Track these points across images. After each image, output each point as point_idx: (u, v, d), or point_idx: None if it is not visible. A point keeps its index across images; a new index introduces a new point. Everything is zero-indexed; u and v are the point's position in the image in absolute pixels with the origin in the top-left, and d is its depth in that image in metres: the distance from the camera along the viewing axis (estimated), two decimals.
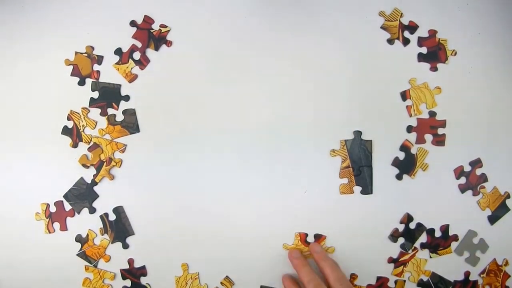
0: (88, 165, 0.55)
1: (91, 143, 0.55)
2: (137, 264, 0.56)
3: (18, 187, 0.57)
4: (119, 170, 0.55)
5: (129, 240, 0.55)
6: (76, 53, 0.56)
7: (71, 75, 0.56)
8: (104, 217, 0.55)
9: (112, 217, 0.55)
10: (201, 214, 0.55)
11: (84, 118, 0.56)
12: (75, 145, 0.56)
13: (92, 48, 0.56)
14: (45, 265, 0.57)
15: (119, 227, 0.55)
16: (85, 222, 0.56)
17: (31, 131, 0.56)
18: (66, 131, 0.56)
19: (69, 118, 0.56)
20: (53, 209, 0.56)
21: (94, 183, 0.55)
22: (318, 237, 0.54)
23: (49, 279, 0.57)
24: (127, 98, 0.55)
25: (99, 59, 0.56)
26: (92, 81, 0.56)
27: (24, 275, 0.57)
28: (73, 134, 0.56)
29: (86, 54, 0.56)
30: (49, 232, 0.56)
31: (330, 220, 0.54)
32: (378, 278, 0.55)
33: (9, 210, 0.57)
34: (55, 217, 0.56)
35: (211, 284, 0.55)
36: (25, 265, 0.57)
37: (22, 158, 0.56)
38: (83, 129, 0.56)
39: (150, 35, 0.56)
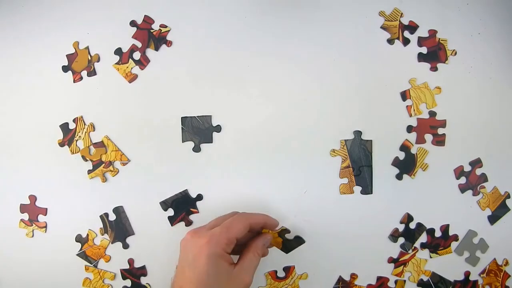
0: (87, 159, 0.55)
1: (98, 141, 0.55)
2: (137, 264, 0.56)
3: (17, 184, 0.57)
4: (122, 168, 0.55)
5: (129, 240, 0.55)
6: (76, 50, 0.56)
7: (63, 71, 0.56)
8: (104, 217, 0.55)
9: (112, 217, 0.55)
10: (201, 215, 0.55)
11: (85, 133, 0.55)
12: (61, 145, 0.56)
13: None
14: (45, 265, 0.57)
15: (119, 227, 0.55)
16: (85, 222, 0.56)
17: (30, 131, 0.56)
18: (64, 127, 0.56)
19: (75, 121, 0.56)
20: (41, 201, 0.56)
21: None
22: (287, 270, 0.55)
23: (49, 279, 0.57)
24: None
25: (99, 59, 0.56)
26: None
27: (24, 275, 0.57)
28: (67, 136, 0.56)
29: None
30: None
31: (330, 220, 0.54)
32: (378, 278, 0.55)
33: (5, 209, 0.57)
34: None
35: None
36: (25, 265, 0.57)
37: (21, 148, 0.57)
38: (77, 140, 0.56)
39: (150, 35, 0.56)
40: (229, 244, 0.43)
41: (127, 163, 0.54)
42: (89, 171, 0.55)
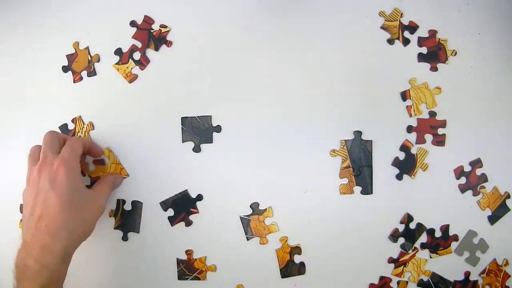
0: (86, 174, 0.55)
1: (98, 140, 0.55)
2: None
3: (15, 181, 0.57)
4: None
5: (130, 235, 0.55)
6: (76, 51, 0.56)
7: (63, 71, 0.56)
8: (120, 202, 0.55)
9: (128, 207, 0.55)
10: (201, 215, 0.55)
11: (85, 132, 0.55)
12: None
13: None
14: None
15: (129, 219, 0.55)
16: None
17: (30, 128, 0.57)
18: (63, 129, 0.56)
19: (73, 122, 0.56)
20: None
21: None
22: None
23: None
24: None
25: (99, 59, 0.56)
26: None
27: None
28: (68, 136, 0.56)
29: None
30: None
31: (330, 220, 0.54)
32: (381, 278, 0.55)
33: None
34: None
35: None
36: None
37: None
38: None
39: (150, 35, 0.56)
40: (79, 161, 0.47)
41: (126, 177, 0.54)
42: (88, 187, 0.54)
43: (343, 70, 0.55)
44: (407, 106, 0.55)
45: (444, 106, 0.55)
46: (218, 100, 0.55)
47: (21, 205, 0.57)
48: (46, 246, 0.43)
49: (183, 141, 0.55)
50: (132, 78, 0.56)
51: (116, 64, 0.56)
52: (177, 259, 0.55)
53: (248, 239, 0.55)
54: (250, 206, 0.54)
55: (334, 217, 0.54)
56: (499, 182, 0.55)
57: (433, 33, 0.55)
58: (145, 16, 0.56)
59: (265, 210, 0.54)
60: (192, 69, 0.55)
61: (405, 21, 0.55)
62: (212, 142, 0.55)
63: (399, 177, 0.54)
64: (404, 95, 0.55)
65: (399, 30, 0.55)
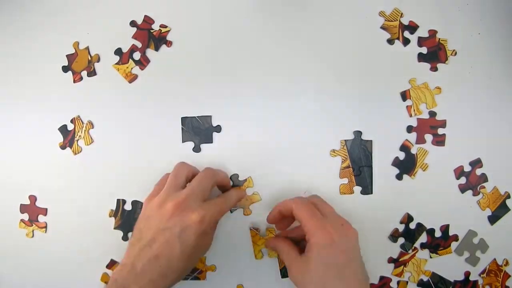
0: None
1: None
2: None
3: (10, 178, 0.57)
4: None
5: (130, 235, 0.55)
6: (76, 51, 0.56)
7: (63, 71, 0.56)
8: (120, 202, 0.55)
9: (128, 207, 0.55)
10: None
11: (84, 131, 0.56)
12: (63, 147, 0.56)
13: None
14: (45, 266, 0.57)
15: (129, 219, 0.55)
16: (85, 222, 0.56)
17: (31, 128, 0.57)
18: (63, 130, 0.56)
19: (72, 122, 0.56)
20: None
21: None
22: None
23: (49, 279, 0.57)
24: None
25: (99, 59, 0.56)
26: None
27: (24, 275, 0.57)
28: (67, 137, 0.56)
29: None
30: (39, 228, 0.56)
31: None
32: (381, 278, 0.55)
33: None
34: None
35: None
36: (25, 265, 0.57)
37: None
38: (77, 140, 0.56)
39: (150, 35, 0.56)
40: (217, 221, 0.49)
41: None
42: None
43: (343, 70, 0.55)
44: (407, 106, 0.55)
45: (444, 106, 0.55)
46: (218, 100, 0.55)
47: (21, 205, 0.57)
48: (154, 282, 0.43)
49: (183, 141, 0.55)
50: (132, 78, 0.56)
51: (116, 64, 0.56)
52: None
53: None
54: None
55: None
56: (499, 182, 0.55)
57: (433, 33, 0.55)
58: (145, 16, 0.56)
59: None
60: (192, 69, 0.55)
61: (405, 21, 0.55)
62: (212, 142, 0.55)
63: (399, 177, 0.54)
64: (404, 95, 0.55)
65: (399, 30, 0.55)
